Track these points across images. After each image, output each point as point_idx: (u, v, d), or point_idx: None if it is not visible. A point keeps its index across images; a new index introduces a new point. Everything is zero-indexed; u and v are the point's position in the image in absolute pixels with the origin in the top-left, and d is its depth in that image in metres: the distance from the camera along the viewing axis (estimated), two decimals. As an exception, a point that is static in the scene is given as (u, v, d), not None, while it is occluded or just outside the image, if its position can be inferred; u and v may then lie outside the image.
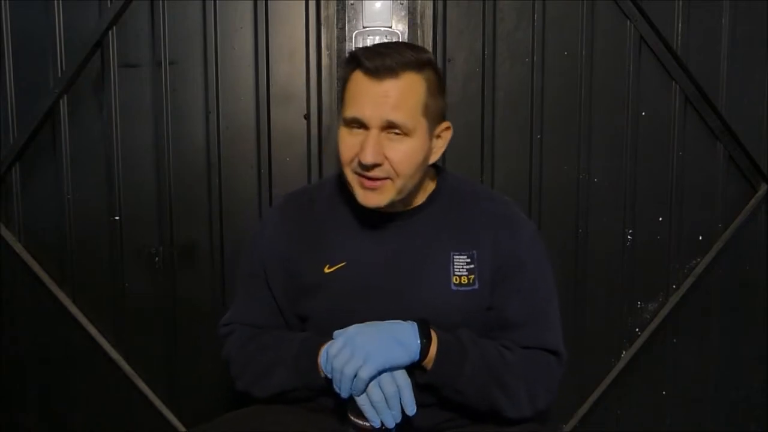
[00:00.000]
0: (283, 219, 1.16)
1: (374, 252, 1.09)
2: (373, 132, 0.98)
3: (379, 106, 0.97)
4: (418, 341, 0.96)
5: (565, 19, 1.57)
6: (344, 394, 0.93)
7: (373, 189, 1.01)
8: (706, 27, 1.59)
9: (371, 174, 1.00)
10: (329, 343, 0.98)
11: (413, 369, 0.99)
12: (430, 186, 1.12)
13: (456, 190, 1.13)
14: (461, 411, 1.07)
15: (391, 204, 1.04)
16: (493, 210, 1.11)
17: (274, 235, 1.15)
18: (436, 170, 1.15)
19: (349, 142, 1.01)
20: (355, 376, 0.92)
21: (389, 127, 0.98)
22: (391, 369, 0.94)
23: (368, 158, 0.97)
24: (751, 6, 1.60)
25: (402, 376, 0.94)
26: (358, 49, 1.04)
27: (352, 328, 0.96)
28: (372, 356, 0.92)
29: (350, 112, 1.00)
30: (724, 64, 1.60)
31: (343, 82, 1.05)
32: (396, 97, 0.98)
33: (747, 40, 1.61)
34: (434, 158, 1.08)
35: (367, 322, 0.98)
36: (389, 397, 0.92)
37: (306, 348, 1.03)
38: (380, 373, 0.93)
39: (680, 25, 1.58)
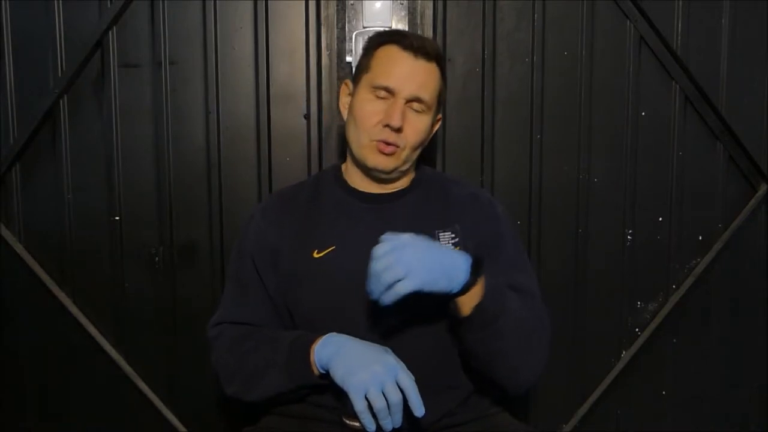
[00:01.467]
0: (266, 212, 1.19)
1: (361, 235, 1.11)
2: (400, 101, 1.09)
3: (412, 81, 1.09)
4: (466, 278, 0.95)
5: (565, 19, 1.57)
6: (375, 296, 0.93)
7: (385, 154, 1.10)
8: (706, 27, 1.59)
9: (392, 139, 1.08)
10: (378, 247, 0.94)
11: (450, 298, 0.97)
12: (411, 173, 1.21)
13: (432, 178, 1.23)
14: (460, 408, 1.07)
15: (392, 173, 1.13)
16: (469, 192, 1.21)
17: (260, 227, 1.17)
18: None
19: (374, 108, 1.10)
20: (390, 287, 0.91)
21: (413, 100, 1.10)
22: (427, 293, 0.92)
23: (397, 122, 1.07)
24: (751, 6, 1.60)
25: (406, 379, 0.93)
26: (399, 30, 1.18)
27: (406, 235, 0.95)
28: (413, 273, 0.90)
29: (383, 80, 1.09)
30: (724, 64, 1.61)
31: (369, 53, 1.14)
32: (425, 76, 1.10)
33: (747, 40, 1.61)
34: (426, 143, 1.18)
35: (422, 237, 0.96)
36: (392, 404, 0.91)
37: (297, 348, 1.03)
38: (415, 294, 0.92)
39: (680, 25, 1.58)
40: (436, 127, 1.21)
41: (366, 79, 1.12)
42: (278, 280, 1.14)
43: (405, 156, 1.12)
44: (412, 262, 0.91)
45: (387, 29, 1.16)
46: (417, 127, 1.11)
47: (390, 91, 1.09)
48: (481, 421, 1.14)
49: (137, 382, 1.61)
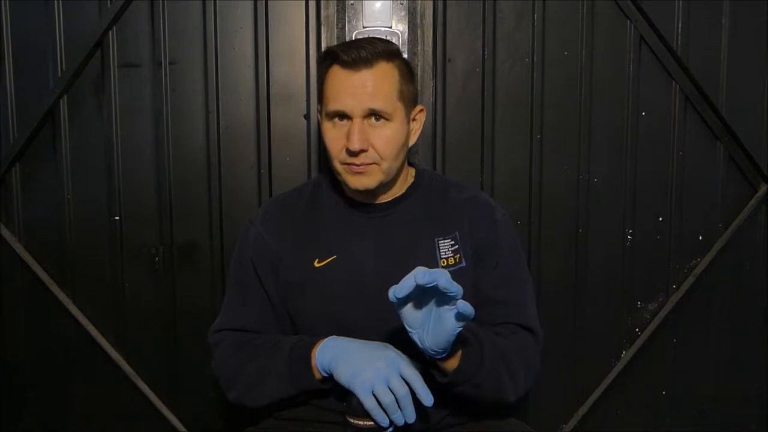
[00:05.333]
0: (266, 220, 1.19)
1: (362, 243, 1.12)
2: (357, 121, 1.05)
3: (359, 96, 1.04)
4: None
5: (565, 19, 1.57)
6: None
7: (361, 173, 1.07)
8: (706, 27, 1.59)
9: (359, 161, 1.05)
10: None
11: (430, 369, 0.98)
12: (409, 178, 1.19)
13: (432, 181, 1.21)
14: (464, 406, 1.08)
15: (379, 186, 1.09)
16: (468, 196, 1.18)
17: (260, 234, 1.16)
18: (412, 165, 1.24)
19: (334, 135, 1.08)
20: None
21: (370, 114, 1.06)
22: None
23: (355, 145, 1.04)
24: (751, 6, 1.60)
25: (409, 370, 0.94)
26: (333, 46, 1.10)
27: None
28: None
29: (333, 106, 1.06)
30: (724, 64, 1.61)
31: (321, 79, 1.11)
32: (373, 85, 1.05)
33: (747, 40, 1.61)
34: (413, 140, 1.16)
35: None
36: (400, 398, 0.92)
37: (297, 354, 1.03)
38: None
39: (680, 25, 1.58)
40: (420, 120, 1.17)
41: (324, 108, 1.10)
42: (279, 287, 1.14)
43: (386, 168, 1.08)
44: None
45: (328, 48, 1.11)
46: (385, 137, 1.06)
47: (344, 115, 1.06)
48: (482, 421, 1.14)
49: (137, 382, 1.60)
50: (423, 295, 0.89)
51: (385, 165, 1.08)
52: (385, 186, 1.12)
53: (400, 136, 1.09)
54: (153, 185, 1.57)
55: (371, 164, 1.07)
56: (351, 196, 1.16)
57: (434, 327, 0.89)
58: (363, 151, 1.05)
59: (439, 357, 0.94)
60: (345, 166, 1.08)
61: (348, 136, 1.05)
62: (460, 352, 0.97)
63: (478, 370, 0.98)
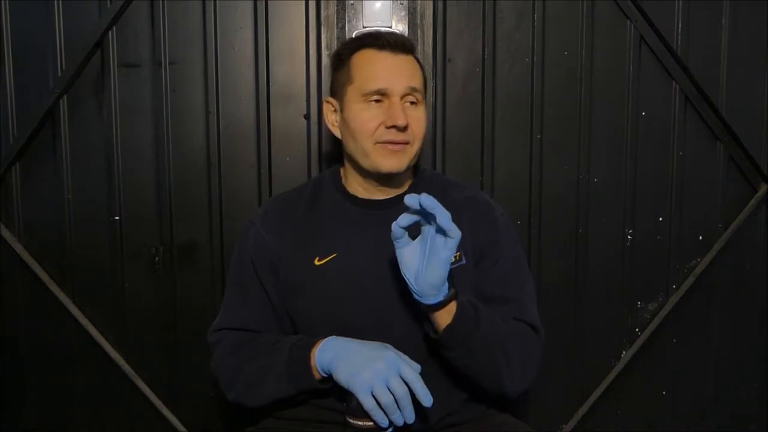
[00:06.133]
0: (266, 219, 1.19)
1: (362, 241, 1.12)
2: (396, 99, 1.08)
3: (400, 76, 1.09)
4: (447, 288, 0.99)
5: (565, 19, 1.57)
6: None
7: (396, 152, 1.09)
8: (706, 27, 1.59)
9: (400, 138, 1.08)
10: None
11: (425, 327, 1.00)
12: (409, 176, 1.20)
13: (432, 180, 1.22)
14: (462, 384, 1.08)
15: (401, 173, 1.12)
16: (468, 195, 1.19)
17: (260, 234, 1.16)
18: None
19: (370, 114, 1.09)
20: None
21: (407, 94, 1.10)
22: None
23: (403, 120, 1.07)
24: (751, 6, 1.60)
25: (409, 371, 0.94)
26: (367, 32, 1.15)
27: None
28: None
29: (373, 85, 1.09)
30: (724, 64, 1.61)
31: (345, 64, 1.13)
32: (410, 69, 1.12)
33: (747, 40, 1.61)
34: None
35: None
36: (399, 398, 0.92)
37: (297, 354, 1.03)
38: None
39: (680, 25, 1.58)
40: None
41: (352, 90, 1.10)
42: (279, 287, 1.14)
43: (415, 151, 1.12)
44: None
45: (351, 38, 1.16)
46: (419, 118, 1.11)
47: (384, 93, 1.08)
48: (482, 421, 1.14)
49: (137, 382, 1.60)
50: (418, 230, 0.96)
51: (415, 147, 1.11)
52: (404, 176, 1.15)
53: (426, 121, 1.14)
54: (153, 185, 1.57)
55: (407, 144, 1.10)
56: (353, 193, 1.17)
57: (429, 258, 0.94)
58: (406, 127, 1.08)
59: (434, 301, 0.96)
60: (380, 146, 1.09)
61: (392, 114, 1.07)
62: (455, 309, 0.98)
63: (471, 333, 0.99)
